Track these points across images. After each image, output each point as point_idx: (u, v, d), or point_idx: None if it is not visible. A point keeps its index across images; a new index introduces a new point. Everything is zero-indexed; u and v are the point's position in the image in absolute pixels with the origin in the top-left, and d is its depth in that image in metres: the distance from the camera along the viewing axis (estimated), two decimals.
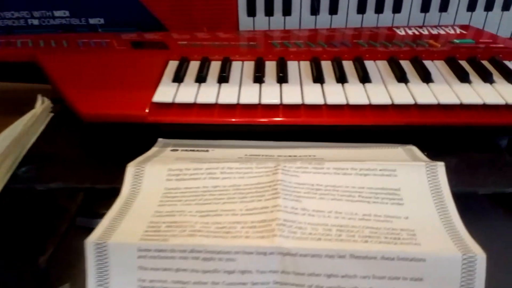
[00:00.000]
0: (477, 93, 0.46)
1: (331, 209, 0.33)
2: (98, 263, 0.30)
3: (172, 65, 0.52)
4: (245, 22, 0.65)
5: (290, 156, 0.43)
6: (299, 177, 0.36)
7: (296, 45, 0.57)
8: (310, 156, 0.43)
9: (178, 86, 0.48)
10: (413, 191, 0.35)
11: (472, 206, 0.47)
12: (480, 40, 0.57)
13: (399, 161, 0.38)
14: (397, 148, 0.44)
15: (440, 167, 0.36)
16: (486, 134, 0.47)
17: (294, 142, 0.46)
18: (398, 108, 0.45)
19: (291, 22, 0.65)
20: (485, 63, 0.52)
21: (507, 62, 0.52)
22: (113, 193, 0.38)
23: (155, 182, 0.36)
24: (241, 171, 0.37)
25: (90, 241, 0.30)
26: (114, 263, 0.30)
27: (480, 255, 0.29)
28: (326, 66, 0.52)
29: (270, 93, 0.47)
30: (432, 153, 0.45)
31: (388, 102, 0.45)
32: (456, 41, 0.57)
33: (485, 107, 0.45)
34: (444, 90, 0.46)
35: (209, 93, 0.46)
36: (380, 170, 0.37)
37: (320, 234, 0.31)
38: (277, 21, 0.65)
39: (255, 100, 0.46)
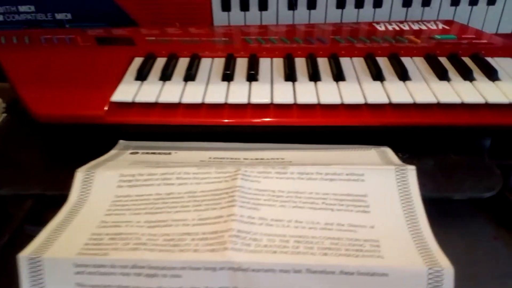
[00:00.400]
0: (456, 91, 0.43)
1: (291, 218, 0.31)
2: (32, 279, 0.27)
3: (137, 62, 0.49)
4: (219, 17, 0.62)
5: (257, 159, 0.40)
6: (260, 183, 0.33)
7: (270, 41, 0.54)
8: (278, 159, 0.40)
9: (141, 85, 0.45)
10: (381, 197, 0.33)
11: (450, 211, 0.44)
12: (463, 36, 0.54)
13: (370, 165, 0.36)
14: (370, 150, 0.42)
15: (410, 171, 0.34)
16: (466, 135, 0.45)
17: (264, 144, 0.43)
18: (372, 108, 0.43)
19: (268, 17, 0.62)
20: (467, 60, 0.49)
21: (489, 59, 0.49)
22: (65, 200, 0.35)
23: (105, 189, 0.34)
24: (198, 177, 0.34)
25: (23, 256, 0.28)
26: (50, 279, 0.27)
27: (447, 269, 0.26)
28: (300, 64, 0.49)
29: (239, 92, 0.44)
30: (408, 155, 0.43)
31: (362, 101, 0.43)
32: (438, 37, 0.54)
33: (464, 107, 0.42)
34: (421, 89, 0.44)
35: (173, 92, 0.44)
36: (347, 174, 0.34)
37: (276, 246, 0.28)
38: (253, 16, 0.62)
39: (221, 100, 0.43)
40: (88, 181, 0.34)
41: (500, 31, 0.65)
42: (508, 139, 0.48)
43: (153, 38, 0.55)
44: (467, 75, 0.46)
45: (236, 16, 0.62)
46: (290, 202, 0.32)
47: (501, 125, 0.42)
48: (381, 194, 0.33)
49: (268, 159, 0.40)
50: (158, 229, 0.30)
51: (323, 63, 0.49)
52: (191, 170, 0.34)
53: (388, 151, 0.41)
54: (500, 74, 0.46)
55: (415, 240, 0.29)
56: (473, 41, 0.53)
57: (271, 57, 0.51)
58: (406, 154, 0.42)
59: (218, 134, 0.44)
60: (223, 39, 0.55)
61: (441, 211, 0.44)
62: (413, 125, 0.42)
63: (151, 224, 0.30)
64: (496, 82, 0.45)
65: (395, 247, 0.28)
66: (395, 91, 0.44)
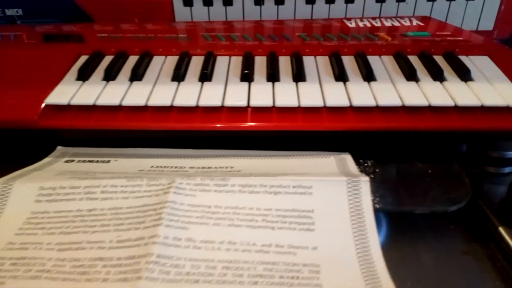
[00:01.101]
0: (424, 93, 0.40)
1: (224, 239, 0.27)
2: None
3: (82, 61, 0.45)
4: (181, 12, 0.58)
5: (203, 167, 0.37)
6: (195, 197, 0.30)
7: (231, 38, 0.50)
8: (227, 167, 0.36)
9: (81, 85, 0.41)
10: (329, 213, 0.29)
11: (419, 223, 0.41)
12: (438, 33, 0.51)
13: (321, 175, 0.32)
14: (329, 157, 0.38)
15: (363, 183, 0.30)
16: (434, 141, 0.41)
17: (215, 151, 0.40)
18: (332, 111, 0.39)
19: (233, 13, 0.59)
20: (439, 58, 0.46)
21: (464, 58, 0.46)
22: None
23: (21, 204, 0.30)
24: (127, 190, 0.30)
25: None
26: None
27: None
28: (259, 63, 0.46)
29: (188, 94, 0.40)
30: (371, 163, 0.39)
31: (320, 104, 0.39)
32: (410, 34, 0.51)
33: (432, 110, 0.39)
34: (386, 90, 0.40)
35: (114, 94, 0.40)
36: (294, 187, 0.30)
37: (200, 273, 0.25)
38: (218, 11, 0.58)
39: (167, 102, 0.39)
40: (4, 194, 0.31)
41: (480, 28, 0.62)
42: (481, 145, 0.45)
43: (105, 34, 0.51)
44: (437, 75, 0.42)
45: (199, 12, 0.58)
46: (226, 220, 0.28)
47: (471, 130, 0.38)
48: (330, 209, 0.29)
49: (216, 167, 0.36)
50: (69, 253, 0.26)
51: (284, 62, 0.46)
52: (119, 182, 0.31)
53: (348, 159, 0.37)
54: (474, 74, 0.43)
55: (361, 262, 0.26)
56: (448, 38, 0.50)
57: (230, 55, 0.47)
58: (367, 162, 0.39)
59: (165, 140, 0.41)
60: (180, 35, 0.51)
61: (410, 223, 0.41)
62: (376, 130, 0.39)
63: (62, 246, 0.27)
64: (469, 82, 0.41)
65: (337, 272, 0.25)
66: (357, 93, 0.40)
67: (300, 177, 0.31)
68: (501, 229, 0.39)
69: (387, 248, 0.39)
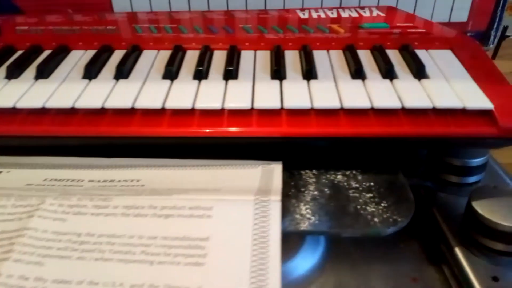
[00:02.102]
0: (368, 93, 0.34)
1: (85, 278, 0.22)
2: None
3: None
4: (120, 2, 0.52)
5: (105, 180, 0.31)
6: (65, 222, 0.25)
7: (164, 30, 0.45)
8: (132, 180, 0.31)
9: None
10: (226, 242, 0.24)
11: (367, 241, 0.36)
12: (398, 25, 0.45)
13: (232, 192, 0.27)
14: (256, 167, 0.33)
15: (273, 204, 0.25)
16: (378, 148, 0.36)
17: (127, 160, 0.34)
18: (264, 114, 0.34)
19: (179, 3, 0.53)
20: (393, 53, 0.40)
21: (422, 52, 0.40)
22: None
23: None
24: None
25: None
26: None
27: None
28: (190, 58, 0.40)
29: (95, 93, 0.35)
30: (305, 175, 0.34)
31: (248, 106, 0.34)
32: (367, 25, 0.45)
33: (376, 112, 0.34)
34: (325, 90, 0.35)
35: (13, 94, 0.35)
36: (190, 208, 0.25)
37: None
38: (161, 1, 0.53)
39: (68, 103, 0.34)
40: None
41: (453, 20, 0.56)
42: (440, 152, 0.39)
43: (25, 27, 0.45)
44: (386, 72, 0.37)
45: (140, 1, 0.53)
46: (96, 252, 0.23)
47: (420, 136, 0.33)
48: (229, 236, 0.24)
49: (119, 180, 0.31)
50: None
51: (218, 58, 0.40)
52: None
53: (277, 170, 0.32)
54: (430, 70, 0.37)
55: None
56: (409, 30, 0.44)
57: (158, 49, 0.42)
58: (304, 173, 0.33)
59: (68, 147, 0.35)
60: (109, 27, 0.46)
61: (354, 241, 0.36)
62: (312, 136, 0.33)
63: None
64: (423, 80, 0.36)
65: None
66: (292, 93, 0.35)
67: (200, 196, 0.26)
68: (457, 251, 0.34)
69: (322, 272, 0.34)
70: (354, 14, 0.48)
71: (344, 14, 0.48)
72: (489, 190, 0.35)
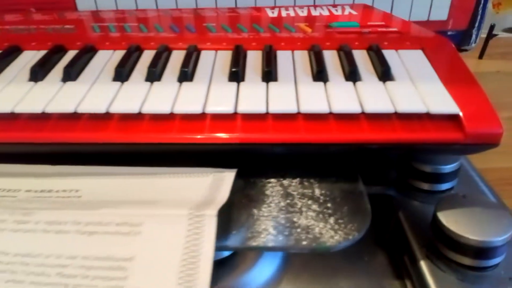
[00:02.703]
0: (328, 96, 0.32)
1: None
2: None
3: None
4: (84, 0, 0.50)
5: (42, 190, 0.29)
6: None
7: (123, 29, 0.43)
8: (71, 191, 0.29)
9: None
10: (153, 262, 0.22)
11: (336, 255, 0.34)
12: (369, 24, 0.43)
13: (171, 206, 0.25)
14: (207, 176, 0.31)
15: (208, 219, 0.23)
16: (337, 154, 0.34)
17: (70, 167, 0.32)
18: (217, 119, 0.32)
19: (146, 1, 0.51)
20: (361, 53, 0.38)
21: (391, 52, 0.38)
22: None
23: None
24: None
25: None
26: None
27: None
28: (147, 58, 0.38)
29: (40, 97, 0.33)
30: (259, 185, 0.32)
31: (199, 110, 0.32)
32: (336, 24, 0.43)
33: (336, 117, 0.31)
34: (284, 93, 0.33)
35: None
36: (118, 225, 0.23)
37: None
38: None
39: (8, 108, 0.32)
40: None
41: (433, 18, 0.54)
42: (408, 157, 0.37)
43: None
44: (349, 74, 0.35)
45: (105, 0, 0.51)
46: (7, 273, 0.21)
47: (382, 142, 0.31)
48: (156, 255, 0.22)
49: (57, 190, 0.29)
50: None
51: (176, 58, 0.38)
52: None
53: (227, 179, 0.30)
54: (397, 72, 0.35)
55: None
56: (380, 29, 0.42)
57: (114, 49, 0.40)
58: (259, 181, 0.31)
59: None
60: (66, 27, 0.43)
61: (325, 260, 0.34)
62: (268, 142, 0.31)
63: None
64: (388, 83, 0.34)
65: None
66: (248, 97, 0.33)
67: (131, 210, 0.24)
68: (422, 264, 0.32)
69: (279, 285, 0.32)
70: (325, 13, 0.46)
71: (315, 12, 0.46)
72: (457, 199, 0.33)
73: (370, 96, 0.32)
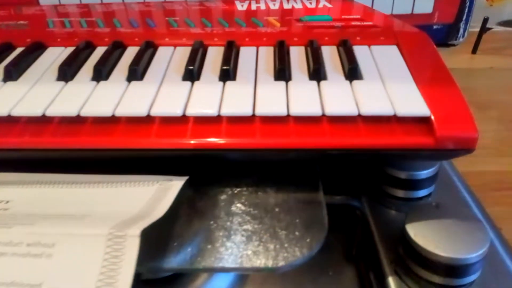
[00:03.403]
0: (288, 97, 0.30)
1: None
2: None
3: None
4: None
5: None
6: None
7: (79, 24, 0.40)
8: (1, 201, 0.26)
9: None
10: None
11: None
12: (343, 17, 0.40)
13: (88, 225, 0.22)
14: (153, 185, 0.28)
15: (130, 241, 0.20)
16: (297, 161, 0.31)
17: (6, 175, 0.30)
18: (166, 123, 0.29)
19: None
20: (331, 49, 0.35)
21: (363, 48, 0.35)
22: None
23: None
24: None
25: None
26: None
27: None
28: (96, 56, 0.35)
29: None
30: (210, 194, 0.29)
31: (144, 113, 0.29)
32: (307, 18, 0.40)
33: (296, 120, 0.29)
34: (242, 93, 0.30)
35: None
36: (29, 245, 0.20)
37: None
38: None
39: None
40: None
41: (417, 11, 0.51)
42: (380, 162, 0.34)
43: None
44: (313, 73, 0.32)
45: None
46: None
47: (344, 147, 0.28)
48: (67, 283, 0.19)
49: None
50: None
51: (129, 55, 0.35)
52: None
53: (174, 188, 0.27)
54: (367, 70, 0.32)
55: None
56: (353, 23, 0.39)
57: (65, 46, 0.37)
58: (211, 191, 0.29)
59: None
60: (20, 22, 0.41)
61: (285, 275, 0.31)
62: (221, 148, 0.28)
63: None
64: (355, 82, 0.31)
65: None
66: (202, 98, 0.30)
67: (46, 228, 0.21)
68: (390, 281, 0.29)
69: None
70: (298, 6, 0.43)
71: (287, 5, 0.43)
72: (429, 209, 0.30)
73: (333, 97, 0.29)
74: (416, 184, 0.34)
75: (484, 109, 0.54)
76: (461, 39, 0.53)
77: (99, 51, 0.36)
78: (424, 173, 0.34)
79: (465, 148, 0.28)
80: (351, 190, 0.33)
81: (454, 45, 0.53)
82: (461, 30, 0.52)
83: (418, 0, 0.50)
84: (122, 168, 0.30)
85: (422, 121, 0.28)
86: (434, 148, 0.28)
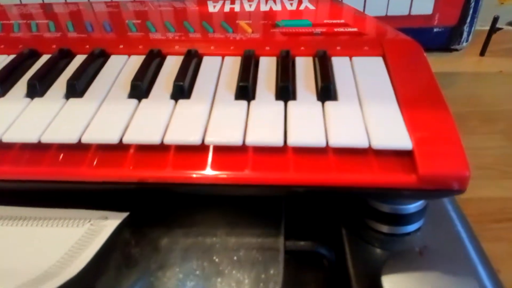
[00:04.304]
0: (248, 121, 0.25)
1: None
2: None
3: None
4: None
5: None
6: None
7: (12, 28, 0.35)
8: None
9: None
10: None
11: None
12: (325, 21, 0.35)
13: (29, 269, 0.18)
14: (83, 225, 0.24)
15: None
16: (259, 199, 0.26)
17: None
18: (101, 151, 0.25)
19: None
20: (306, 61, 0.31)
21: (343, 60, 0.31)
22: None
23: None
24: None
25: None
26: None
27: None
28: (38, 66, 0.31)
29: None
30: (152, 236, 0.25)
31: (74, 139, 0.24)
32: (283, 23, 0.35)
33: (254, 151, 0.24)
34: (193, 116, 0.26)
35: None
36: None
37: None
38: None
39: None
40: None
41: (415, 12, 0.46)
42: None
43: None
44: (280, 91, 0.27)
45: None
46: None
47: (309, 184, 0.23)
48: None
49: None
50: None
51: (74, 66, 0.31)
52: None
53: (104, 232, 0.23)
54: (343, 88, 0.28)
55: None
56: (335, 29, 0.34)
57: (8, 54, 0.33)
58: (150, 233, 0.24)
59: None
60: None
61: None
62: (165, 181, 0.24)
63: None
64: (327, 104, 0.26)
65: None
66: (144, 120, 0.25)
67: None
68: None
69: None
70: (277, 7, 0.38)
71: (265, 7, 0.38)
72: (411, 257, 0.25)
73: (299, 123, 0.25)
74: (402, 219, 0.30)
75: (489, 122, 0.49)
76: (464, 44, 0.48)
77: (43, 60, 0.31)
78: (412, 207, 0.30)
79: (453, 189, 0.23)
80: (321, 233, 0.29)
81: (457, 50, 0.48)
82: (465, 34, 0.47)
83: (417, 0, 0.45)
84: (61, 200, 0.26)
85: (403, 155, 0.24)
86: (416, 188, 0.23)
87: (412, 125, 0.24)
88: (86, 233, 0.23)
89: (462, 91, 0.59)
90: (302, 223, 0.27)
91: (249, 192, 0.25)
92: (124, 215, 0.25)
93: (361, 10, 0.45)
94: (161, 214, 0.26)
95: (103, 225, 0.24)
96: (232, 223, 0.25)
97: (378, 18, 0.45)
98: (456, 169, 0.23)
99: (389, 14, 0.45)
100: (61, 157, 0.24)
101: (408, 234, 0.31)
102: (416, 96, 0.27)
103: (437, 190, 0.23)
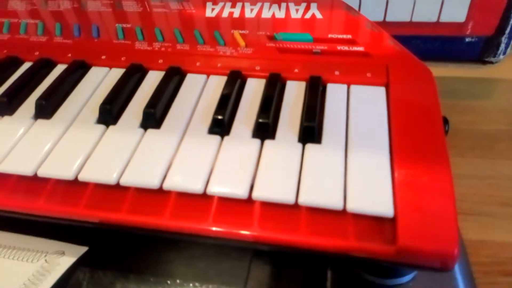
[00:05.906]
0: (215, 163, 0.23)
1: None
2: None
3: None
4: None
5: None
6: None
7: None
8: None
9: None
10: None
11: None
12: (329, 36, 0.31)
13: None
14: (38, 260, 0.23)
15: None
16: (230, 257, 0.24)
17: None
18: (59, 189, 0.23)
19: None
20: (297, 88, 0.27)
21: (339, 89, 0.27)
22: None
23: None
24: None
25: None
26: None
27: None
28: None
29: None
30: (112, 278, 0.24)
31: (29, 172, 0.23)
32: (281, 36, 0.31)
33: (219, 200, 0.22)
34: (157, 152, 0.23)
35: None
36: None
37: None
38: None
39: None
40: None
41: (445, 19, 0.41)
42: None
43: None
44: (257, 128, 0.24)
45: None
46: None
47: (274, 244, 0.21)
48: None
49: None
50: None
51: (54, 75, 0.29)
52: None
53: (56, 272, 0.22)
54: (331, 127, 0.24)
55: None
56: (338, 48, 0.30)
57: None
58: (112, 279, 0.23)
59: None
60: None
61: None
62: (123, 224, 0.22)
63: None
64: (308, 147, 0.23)
65: None
66: (102, 156, 0.23)
67: None
68: None
69: None
70: (280, 14, 0.34)
71: (267, 12, 0.35)
72: None
73: (269, 173, 0.22)
74: (394, 270, 0.27)
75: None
76: (501, 56, 0.42)
77: (23, 68, 0.30)
78: None
79: (435, 267, 0.20)
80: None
81: (492, 62, 0.43)
82: (503, 46, 0.41)
83: (448, 5, 0.39)
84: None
85: (384, 220, 0.21)
86: (392, 260, 0.20)
87: (401, 184, 0.21)
88: (40, 269, 0.22)
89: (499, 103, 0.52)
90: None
91: (211, 242, 0.23)
92: (82, 250, 0.24)
93: (382, 14, 0.40)
94: (120, 253, 0.25)
95: (56, 262, 0.23)
96: (195, 276, 0.23)
97: (401, 24, 0.40)
98: (442, 246, 0.19)
99: (414, 20, 0.40)
100: (18, 187, 0.23)
101: (400, 285, 0.28)
102: (415, 145, 0.23)
103: (417, 266, 0.20)
